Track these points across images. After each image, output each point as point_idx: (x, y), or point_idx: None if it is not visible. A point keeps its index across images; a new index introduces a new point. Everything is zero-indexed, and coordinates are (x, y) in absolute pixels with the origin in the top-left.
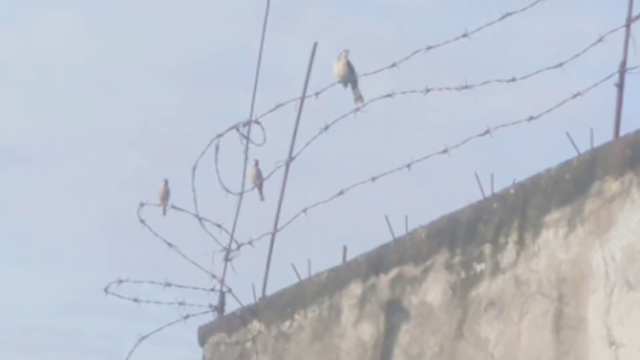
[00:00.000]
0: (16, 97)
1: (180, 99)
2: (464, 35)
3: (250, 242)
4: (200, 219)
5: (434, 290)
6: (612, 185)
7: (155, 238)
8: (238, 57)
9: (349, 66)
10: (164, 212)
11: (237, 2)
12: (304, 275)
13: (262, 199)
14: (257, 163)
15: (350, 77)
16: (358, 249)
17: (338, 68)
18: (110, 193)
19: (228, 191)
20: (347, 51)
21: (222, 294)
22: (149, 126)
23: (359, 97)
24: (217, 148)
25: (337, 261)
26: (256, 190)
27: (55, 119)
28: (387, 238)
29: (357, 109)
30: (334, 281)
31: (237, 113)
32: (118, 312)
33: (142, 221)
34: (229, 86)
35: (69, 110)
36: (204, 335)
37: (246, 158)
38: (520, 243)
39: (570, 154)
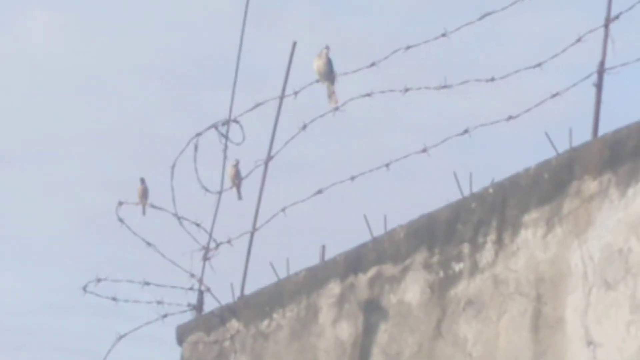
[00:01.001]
0: None
1: (160, 98)
2: (443, 35)
3: (229, 241)
4: (179, 218)
5: (412, 289)
6: (591, 185)
7: (134, 237)
8: (219, 56)
9: (329, 64)
10: (144, 212)
11: (218, 2)
12: (282, 275)
13: (239, 198)
14: (237, 163)
15: (329, 75)
16: (337, 249)
17: (318, 65)
18: (89, 192)
19: (207, 190)
20: (327, 48)
21: (201, 293)
22: (129, 125)
23: (332, 94)
24: (196, 147)
25: (316, 260)
26: (235, 189)
27: (34, 120)
28: (366, 237)
29: (336, 108)
30: (312, 280)
31: (217, 112)
32: (97, 311)
33: (121, 220)
34: (209, 86)
35: (47, 111)
36: (182, 334)
37: (225, 157)
38: (499, 243)
39: (549, 153)
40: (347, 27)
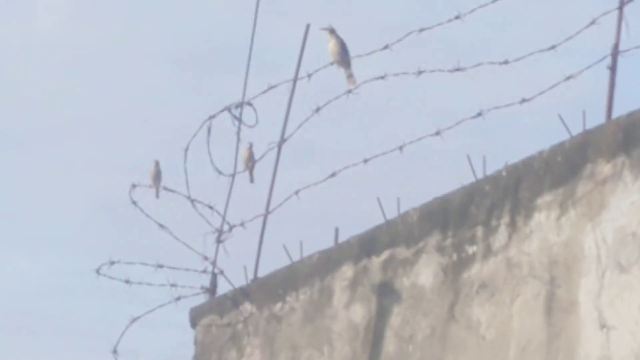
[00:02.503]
0: (9, 81)
1: (174, 81)
2: (457, 17)
3: (242, 224)
4: (192, 201)
5: (425, 272)
6: (604, 168)
7: (147, 220)
8: (234, 41)
9: (341, 45)
10: (157, 195)
11: None
12: (295, 257)
13: (252, 181)
14: (250, 146)
15: (344, 57)
16: (350, 231)
17: (331, 46)
18: (103, 175)
19: (220, 173)
20: (330, 28)
21: (214, 275)
22: (142, 108)
23: (350, 76)
24: (209, 130)
25: (329, 243)
26: (248, 172)
27: (48, 103)
28: (379, 220)
29: (350, 91)
30: (325, 263)
31: (232, 97)
32: (110, 294)
33: (134, 202)
34: (224, 70)
35: (62, 94)
36: (195, 317)
37: (238, 140)
38: (512, 225)
39: (562, 136)
40: (361, 10)
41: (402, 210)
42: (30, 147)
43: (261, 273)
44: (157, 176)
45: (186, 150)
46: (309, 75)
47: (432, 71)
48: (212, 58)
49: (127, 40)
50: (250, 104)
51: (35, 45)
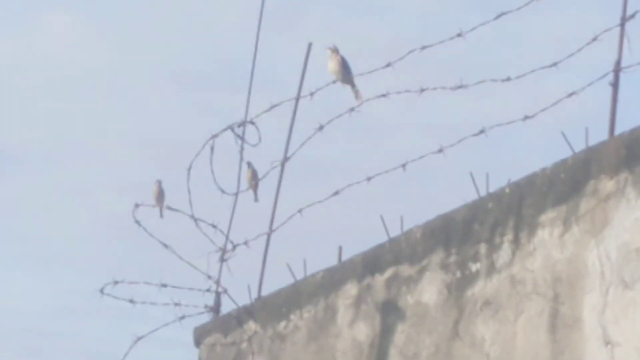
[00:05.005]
0: (14, 101)
1: (177, 100)
2: (459, 35)
3: (245, 243)
4: (195, 220)
5: (429, 290)
6: (608, 185)
7: (150, 239)
8: (238, 59)
9: (344, 63)
10: (161, 214)
11: (237, 5)
12: (299, 276)
13: (256, 200)
14: (251, 164)
15: (346, 75)
16: (353, 249)
17: (332, 65)
18: (107, 195)
19: (223, 192)
20: (333, 47)
21: (218, 294)
22: (145, 127)
23: (357, 93)
24: (212, 149)
25: (333, 261)
26: (251, 191)
27: (52, 122)
28: (383, 238)
29: (352, 109)
30: (329, 281)
31: (236, 115)
32: (115, 314)
33: (137, 222)
34: (228, 89)
35: (65, 114)
36: (199, 336)
37: (241, 158)
38: (516, 242)
39: (565, 153)
40: (364, 29)
41: (406, 228)
42: (34, 167)
43: (265, 292)
44: (160, 195)
45: (189, 169)
46: (312, 94)
47: (435, 89)
48: (214, 77)
49: (129, 59)
50: (253, 123)
51: (40, 65)
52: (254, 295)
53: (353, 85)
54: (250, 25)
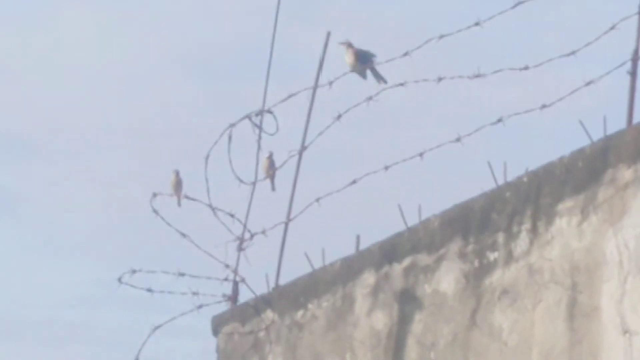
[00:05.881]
0: (36, 92)
1: (195, 89)
2: (476, 24)
3: (263, 232)
4: (213, 209)
5: (447, 279)
6: (626, 173)
7: (168, 228)
8: (257, 49)
9: (359, 55)
10: (179, 203)
11: None
12: (317, 265)
13: (273, 189)
14: (271, 154)
15: (363, 66)
16: (371, 238)
17: (348, 59)
18: (125, 184)
19: (241, 181)
20: (346, 42)
21: (236, 283)
22: (163, 117)
23: (380, 79)
24: (229, 138)
25: (351, 250)
26: (269, 180)
27: (71, 113)
28: (400, 227)
29: (370, 98)
30: (347, 270)
31: (254, 105)
32: (133, 304)
33: (155, 211)
34: (247, 78)
35: (83, 104)
36: (217, 325)
37: (259, 148)
38: (534, 231)
39: (583, 142)
40: (384, 18)
41: (423, 217)
42: (54, 157)
43: (283, 281)
44: (178, 185)
45: (207, 158)
46: (330, 83)
47: (452, 78)
48: (232, 66)
49: (149, 50)
50: (270, 112)
51: (58, 56)
52: (272, 284)
53: (375, 72)
54: (270, 14)
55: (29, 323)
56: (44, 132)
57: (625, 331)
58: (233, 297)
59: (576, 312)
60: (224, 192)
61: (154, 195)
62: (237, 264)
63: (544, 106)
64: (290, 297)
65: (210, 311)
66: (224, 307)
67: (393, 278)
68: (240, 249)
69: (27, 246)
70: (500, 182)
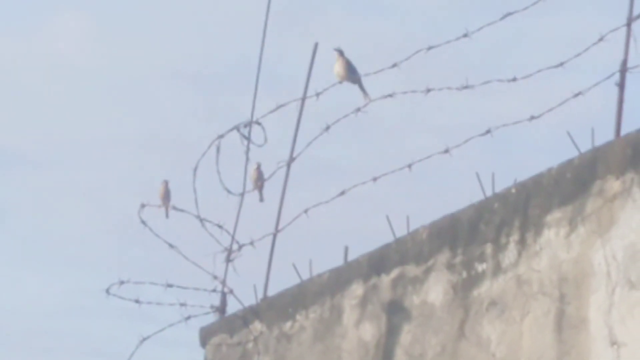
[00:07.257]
0: (24, 101)
1: (183, 100)
2: (465, 35)
3: (251, 243)
4: (201, 220)
5: (435, 290)
6: (614, 185)
7: (156, 239)
8: (247, 61)
9: (349, 66)
10: (167, 215)
11: (246, 7)
12: (305, 276)
13: (261, 200)
14: (259, 165)
15: (349, 76)
16: (359, 249)
17: (337, 68)
18: (114, 195)
19: (229, 192)
20: (339, 50)
21: (224, 294)
22: (151, 128)
23: (365, 95)
24: (218, 149)
25: (339, 261)
26: (257, 191)
27: (61, 122)
28: (389, 238)
29: (358, 109)
30: (335, 281)
31: (240, 115)
32: (120, 314)
33: (143, 222)
34: (237, 90)
35: (74, 114)
36: (205, 336)
37: (247, 159)
38: (522, 243)
39: (571, 153)
40: (373, 29)
41: (412, 228)
42: (43, 167)
43: (271, 292)
44: (166, 196)
45: (195, 169)
46: (318, 94)
47: (441, 89)
48: (220, 77)
49: (141, 61)
50: (259, 123)
51: (49, 65)
52: (260, 295)
53: (360, 87)
54: (258, 26)
55: (19, 333)
56: (31, 143)
57: (613, 342)
58: (221, 308)
59: (564, 323)
60: (213, 203)
61: (142, 206)
62: (226, 275)
63: (532, 117)
64: (278, 308)
65: (198, 322)
66: (212, 318)
67: (381, 289)
68: (228, 260)
69: (15, 256)
70: (489, 193)
